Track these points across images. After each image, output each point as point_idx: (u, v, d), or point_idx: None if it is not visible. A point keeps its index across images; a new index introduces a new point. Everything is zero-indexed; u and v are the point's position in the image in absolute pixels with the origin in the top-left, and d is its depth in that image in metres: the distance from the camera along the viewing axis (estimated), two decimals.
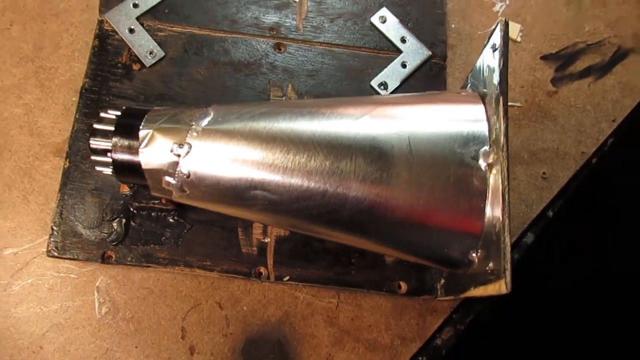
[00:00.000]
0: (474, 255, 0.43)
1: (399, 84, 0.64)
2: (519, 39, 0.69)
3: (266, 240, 0.57)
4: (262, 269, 0.57)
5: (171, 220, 0.57)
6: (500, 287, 0.38)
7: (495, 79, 0.43)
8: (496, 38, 0.45)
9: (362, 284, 0.57)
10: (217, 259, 0.56)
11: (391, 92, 0.64)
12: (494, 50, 0.44)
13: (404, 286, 0.57)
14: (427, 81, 0.65)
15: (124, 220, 0.57)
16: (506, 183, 0.39)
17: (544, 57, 0.69)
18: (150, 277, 0.57)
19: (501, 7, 0.70)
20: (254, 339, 0.56)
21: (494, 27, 0.46)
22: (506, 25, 0.44)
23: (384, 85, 0.64)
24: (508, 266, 0.37)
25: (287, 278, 0.56)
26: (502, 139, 0.40)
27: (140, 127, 0.47)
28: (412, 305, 0.58)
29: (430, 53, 0.65)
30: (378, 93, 0.64)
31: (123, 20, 0.63)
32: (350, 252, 0.58)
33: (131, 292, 0.56)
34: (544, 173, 0.63)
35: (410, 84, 0.64)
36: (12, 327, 0.54)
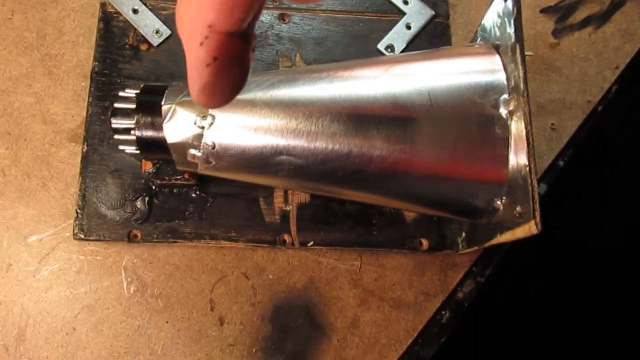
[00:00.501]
0: (498, 202, 0.44)
1: (405, 45, 0.64)
2: None
3: (288, 208, 0.58)
4: (286, 236, 0.57)
5: (193, 195, 0.58)
6: (530, 229, 0.39)
7: (509, 28, 0.44)
8: None
9: (384, 244, 0.58)
10: (241, 230, 0.57)
11: None
12: (505, 0, 0.45)
13: (425, 243, 0.58)
14: (433, 41, 0.65)
15: (146, 198, 0.57)
16: (529, 127, 0.40)
17: (543, 10, 0.70)
18: (175, 254, 0.57)
19: None
20: (281, 305, 0.57)
21: None
22: None
23: (390, 47, 0.64)
24: (537, 207, 0.38)
25: (311, 243, 0.57)
26: (521, 85, 0.41)
27: (162, 102, 0.47)
28: (433, 262, 0.59)
29: (433, 12, 0.66)
30: None
31: (126, 2, 0.63)
32: (371, 213, 0.59)
33: (157, 269, 0.57)
34: (552, 124, 0.64)
35: (416, 44, 0.65)
36: (44, 312, 0.55)
